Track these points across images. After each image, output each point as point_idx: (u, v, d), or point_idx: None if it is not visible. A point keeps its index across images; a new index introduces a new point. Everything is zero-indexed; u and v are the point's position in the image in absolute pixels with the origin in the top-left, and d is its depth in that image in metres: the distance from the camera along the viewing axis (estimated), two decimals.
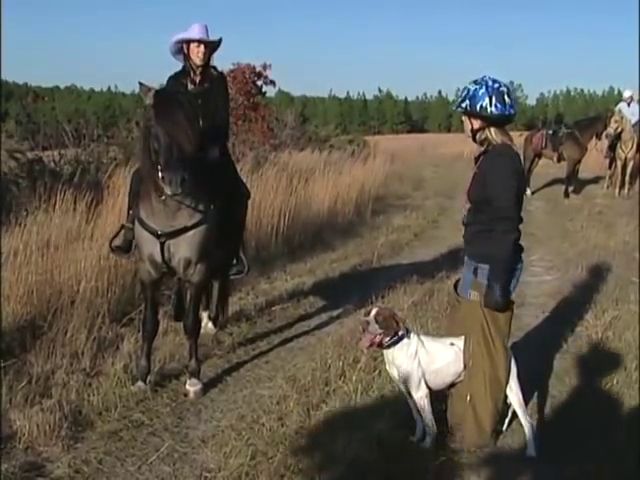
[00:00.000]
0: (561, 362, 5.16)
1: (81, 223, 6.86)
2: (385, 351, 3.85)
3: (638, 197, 12.87)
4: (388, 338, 3.77)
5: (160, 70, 5.29)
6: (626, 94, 15.26)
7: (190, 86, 5.12)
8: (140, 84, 4.36)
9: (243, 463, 3.60)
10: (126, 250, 5.00)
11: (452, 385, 3.98)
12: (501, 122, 3.84)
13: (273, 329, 6.13)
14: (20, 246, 5.89)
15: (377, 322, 3.73)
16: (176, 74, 5.23)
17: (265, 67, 18.15)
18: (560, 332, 5.71)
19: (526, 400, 4.03)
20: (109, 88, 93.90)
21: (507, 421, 4.00)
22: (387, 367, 3.94)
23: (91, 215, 7.03)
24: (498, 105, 3.73)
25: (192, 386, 4.67)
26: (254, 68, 18.05)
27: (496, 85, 3.77)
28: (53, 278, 5.76)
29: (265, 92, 18.88)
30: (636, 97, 15.07)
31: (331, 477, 3.51)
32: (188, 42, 5.10)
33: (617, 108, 15.18)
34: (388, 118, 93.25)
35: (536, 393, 4.49)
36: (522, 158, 5.32)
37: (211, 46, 5.14)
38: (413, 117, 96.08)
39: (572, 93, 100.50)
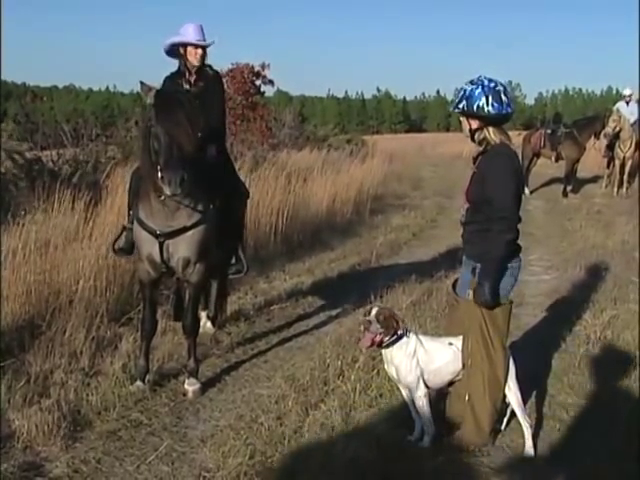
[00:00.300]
0: (559, 361, 5.16)
1: (79, 223, 6.86)
2: (384, 350, 3.85)
3: (638, 196, 12.87)
4: (388, 337, 3.77)
5: (159, 70, 5.30)
6: (626, 92, 15.25)
7: (186, 86, 5.13)
8: (141, 83, 4.36)
9: (242, 462, 3.61)
10: (129, 252, 5.00)
11: (451, 384, 3.98)
12: (499, 121, 3.84)
13: (272, 329, 6.13)
14: (19, 246, 5.88)
15: (378, 321, 3.74)
16: (172, 74, 5.24)
17: (264, 67, 18.16)
18: (559, 331, 5.71)
19: (524, 399, 4.03)
20: (107, 88, 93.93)
21: (505, 420, 4.00)
22: (386, 366, 3.94)
23: (89, 215, 7.03)
24: (495, 104, 3.73)
25: (191, 385, 4.67)
26: (253, 68, 18.05)
27: (492, 84, 3.77)
28: (52, 278, 5.75)
29: (264, 92, 18.89)
30: (635, 96, 15.07)
31: (330, 477, 3.51)
32: (185, 45, 5.11)
33: (615, 107, 15.18)
34: (386, 118, 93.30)
35: (534, 392, 4.49)
36: (520, 157, 5.32)
37: (207, 47, 5.16)
38: (412, 117, 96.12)
39: (570, 93, 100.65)
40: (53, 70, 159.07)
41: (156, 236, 4.51)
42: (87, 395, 4.45)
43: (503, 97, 3.76)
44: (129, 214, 4.98)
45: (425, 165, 22.19)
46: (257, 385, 4.87)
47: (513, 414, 3.92)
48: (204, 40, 5.13)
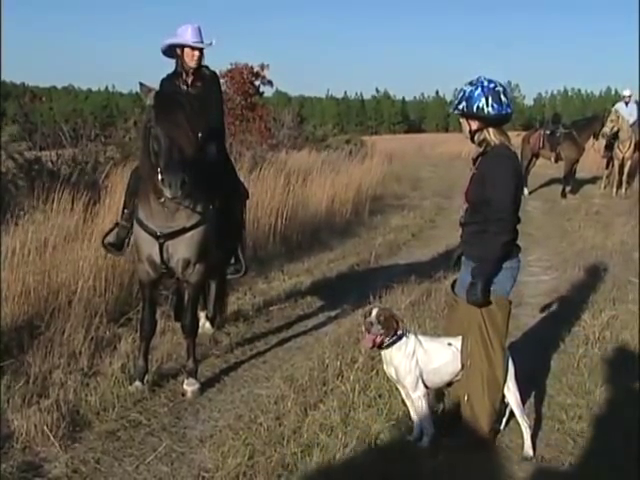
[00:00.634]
0: (558, 362, 5.16)
1: (78, 223, 6.86)
2: (383, 351, 3.85)
3: (638, 197, 12.88)
4: (388, 338, 3.77)
5: (158, 70, 5.29)
6: (625, 93, 15.26)
7: (183, 87, 5.12)
8: (141, 84, 4.36)
9: (241, 463, 3.61)
10: (118, 247, 5.00)
11: (450, 385, 3.98)
12: (499, 122, 3.84)
13: (271, 329, 6.13)
14: (17, 246, 5.89)
15: (379, 322, 3.74)
16: (168, 76, 5.23)
17: (263, 67, 18.18)
18: (557, 332, 5.71)
19: (523, 400, 4.03)
20: (106, 88, 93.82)
21: (504, 420, 4.01)
22: (385, 367, 3.94)
23: (88, 215, 7.04)
24: (495, 105, 3.74)
25: (190, 386, 4.67)
26: (252, 68, 18.08)
27: (492, 85, 3.77)
28: (50, 278, 5.75)
29: (263, 92, 18.91)
30: (635, 97, 15.08)
31: (328, 477, 3.52)
32: (183, 46, 5.10)
33: (614, 108, 15.19)
34: (385, 118, 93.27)
35: (533, 393, 4.49)
36: (520, 158, 5.32)
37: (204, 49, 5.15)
38: (411, 117, 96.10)
39: (569, 93, 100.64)
40: (52, 70, 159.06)
41: (156, 237, 4.51)
42: (86, 395, 4.45)
43: (503, 98, 3.76)
44: (123, 212, 4.99)
45: (424, 165, 22.21)
46: (256, 385, 4.87)
47: (512, 414, 3.92)
48: (201, 42, 5.11)
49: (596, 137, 15.08)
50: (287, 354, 5.52)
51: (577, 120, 17.64)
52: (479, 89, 3.75)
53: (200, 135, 4.61)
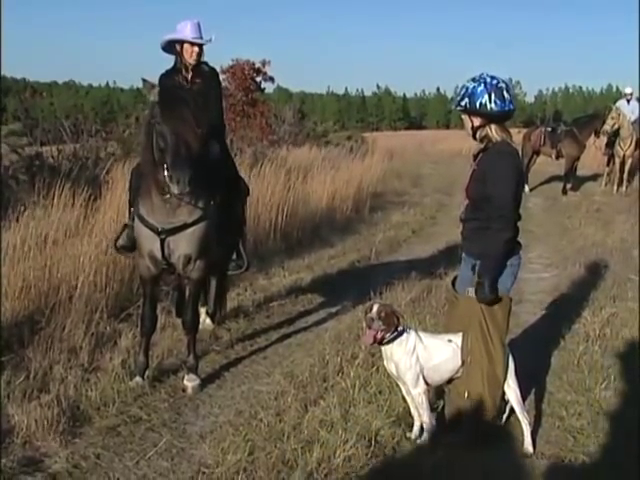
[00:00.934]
0: (559, 359, 5.16)
1: (79, 218, 6.85)
2: (383, 347, 3.85)
3: (638, 194, 12.87)
4: (389, 334, 3.77)
5: (159, 67, 5.27)
6: (627, 90, 15.25)
7: (183, 83, 5.10)
8: (144, 81, 4.34)
9: (241, 459, 3.61)
10: (130, 249, 4.97)
11: (450, 381, 3.98)
12: (501, 118, 3.83)
13: (271, 325, 6.13)
14: (18, 241, 5.89)
15: (379, 318, 3.74)
16: (167, 72, 5.18)
17: (264, 63, 18.18)
18: (558, 329, 5.71)
19: (524, 397, 4.03)
20: (107, 83, 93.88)
21: (505, 417, 4.01)
22: (385, 363, 3.94)
23: (89, 210, 7.03)
24: (497, 101, 3.73)
25: (190, 382, 4.67)
26: (253, 64, 18.07)
27: (494, 82, 3.76)
28: (51, 273, 5.75)
29: (264, 88, 18.90)
30: (636, 94, 15.07)
31: (328, 473, 3.52)
32: (182, 42, 5.08)
33: (615, 105, 15.18)
34: (386, 115, 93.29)
35: (534, 390, 4.50)
36: (520, 155, 5.32)
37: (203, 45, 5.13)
38: (411, 114, 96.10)
39: (570, 90, 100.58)
40: (53, 66, 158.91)
41: (157, 233, 4.50)
42: (86, 391, 4.45)
43: (505, 94, 3.75)
44: (130, 211, 4.96)
45: (425, 162, 22.19)
46: (256, 381, 4.88)
47: (512, 411, 3.92)
48: (201, 38, 5.09)
49: (597, 134, 15.08)
50: (287, 350, 5.52)
51: (578, 117, 17.62)
52: (482, 85, 3.74)
53: (203, 131, 4.60)
